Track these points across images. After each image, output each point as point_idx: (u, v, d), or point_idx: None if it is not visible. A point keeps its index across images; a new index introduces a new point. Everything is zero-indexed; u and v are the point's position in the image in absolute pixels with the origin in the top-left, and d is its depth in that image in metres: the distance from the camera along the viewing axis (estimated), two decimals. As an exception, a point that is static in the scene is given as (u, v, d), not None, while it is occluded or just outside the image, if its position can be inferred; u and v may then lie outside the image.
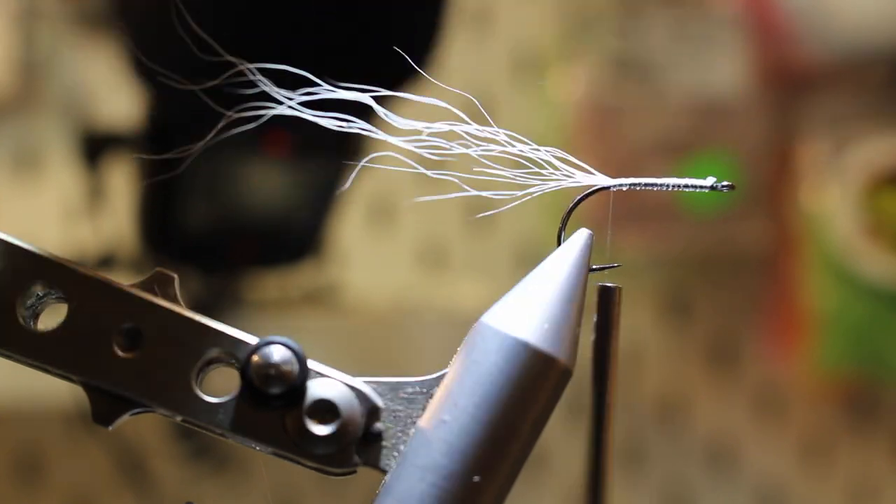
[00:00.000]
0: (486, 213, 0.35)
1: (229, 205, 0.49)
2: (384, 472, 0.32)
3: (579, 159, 0.33)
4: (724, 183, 0.33)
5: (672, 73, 0.99)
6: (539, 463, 1.02)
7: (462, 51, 0.94)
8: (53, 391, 0.87)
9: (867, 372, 1.03)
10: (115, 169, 0.74)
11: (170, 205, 0.59)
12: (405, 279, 0.99)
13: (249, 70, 0.34)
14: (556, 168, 0.34)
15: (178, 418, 0.32)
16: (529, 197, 0.35)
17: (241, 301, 0.94)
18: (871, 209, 0.96)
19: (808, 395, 1.05)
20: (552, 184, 0.35)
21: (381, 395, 0.32)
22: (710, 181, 0.33)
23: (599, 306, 0.34)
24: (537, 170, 0.34)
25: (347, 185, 0.41)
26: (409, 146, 0.34)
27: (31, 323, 0.33)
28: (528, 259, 1.01)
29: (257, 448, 0.32)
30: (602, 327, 0.33)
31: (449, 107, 0.34)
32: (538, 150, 0.34)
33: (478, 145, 0.34)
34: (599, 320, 0.33)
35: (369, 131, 0.34)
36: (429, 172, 0.35)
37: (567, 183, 0.34)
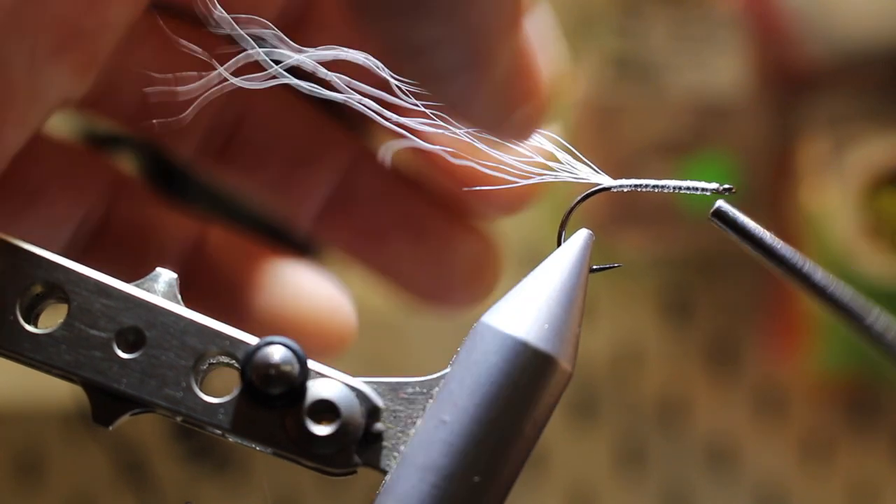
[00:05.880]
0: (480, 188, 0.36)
1: (228, 204, 0.49)
2: (384, 472, 0.32)
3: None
4: (726, 186, 0.33)
5: (672, 73, 0.99)
6: (539, 463, 1.02)
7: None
8: (53, 391, 0.88)
9: (867, 372, 1.03)
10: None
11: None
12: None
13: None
14: (557, 160, 0.34)
15: (178, 418, 0.32)
16: (528, 183, 0.35)
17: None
18: (871, 209, 0.96)
19: (808, 395, 1.05)
20: (557, 175, 0.34)
21: (381, 395, 0.32)
22: (713, 185, 0.33)
23: (728, 228, 0.33)
24: (541, 160, 0.34)
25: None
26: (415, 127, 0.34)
27: (31, 323, 0.33)
28: (529, 259, 1.01)
29: (257, 448, 0.32)
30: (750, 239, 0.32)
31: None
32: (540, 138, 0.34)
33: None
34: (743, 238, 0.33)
35: (376, 112, 0.34)
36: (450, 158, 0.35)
37: (568, 177, 0.34)
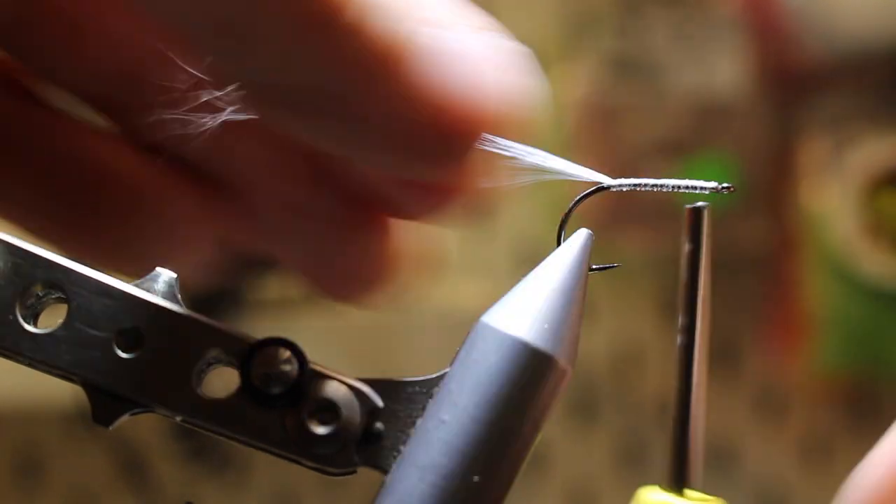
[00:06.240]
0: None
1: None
2: (384, 472, 0.32)
3: (579, 159, 0.33)
4: (725, 185, 0.33)
5: (672, 73, 0.99)
6: (539, 463, 1.02)
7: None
8: (53, 391, 0.88)
9: (867, 372, 1.03)
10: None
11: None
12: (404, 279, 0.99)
13: None
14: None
15: (178, 418, 0.32)
16: (528, 183, 0.34)
17: (241, 301, 0.94)
18: (871, 209, 0.96)
19: (808, 395, 1.05)
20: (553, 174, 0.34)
21: (381, 395, 0.32)
22: (711, 184, 0.33)
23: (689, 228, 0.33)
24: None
25: None
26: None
27: (31, 323, 0.33)
28: (528, 259, 1.02)
29: (257, 448, 0.32)
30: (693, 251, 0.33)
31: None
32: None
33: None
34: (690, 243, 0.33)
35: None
36: None
37: (567, 176, 0.34)
